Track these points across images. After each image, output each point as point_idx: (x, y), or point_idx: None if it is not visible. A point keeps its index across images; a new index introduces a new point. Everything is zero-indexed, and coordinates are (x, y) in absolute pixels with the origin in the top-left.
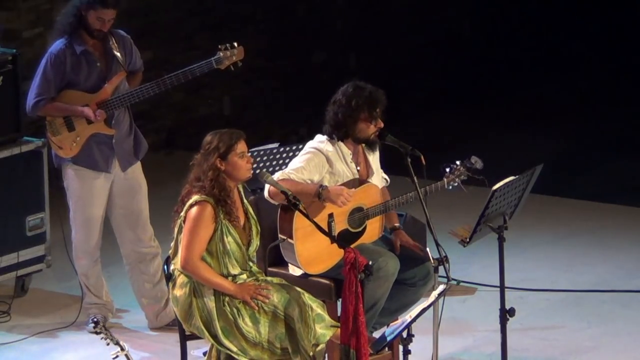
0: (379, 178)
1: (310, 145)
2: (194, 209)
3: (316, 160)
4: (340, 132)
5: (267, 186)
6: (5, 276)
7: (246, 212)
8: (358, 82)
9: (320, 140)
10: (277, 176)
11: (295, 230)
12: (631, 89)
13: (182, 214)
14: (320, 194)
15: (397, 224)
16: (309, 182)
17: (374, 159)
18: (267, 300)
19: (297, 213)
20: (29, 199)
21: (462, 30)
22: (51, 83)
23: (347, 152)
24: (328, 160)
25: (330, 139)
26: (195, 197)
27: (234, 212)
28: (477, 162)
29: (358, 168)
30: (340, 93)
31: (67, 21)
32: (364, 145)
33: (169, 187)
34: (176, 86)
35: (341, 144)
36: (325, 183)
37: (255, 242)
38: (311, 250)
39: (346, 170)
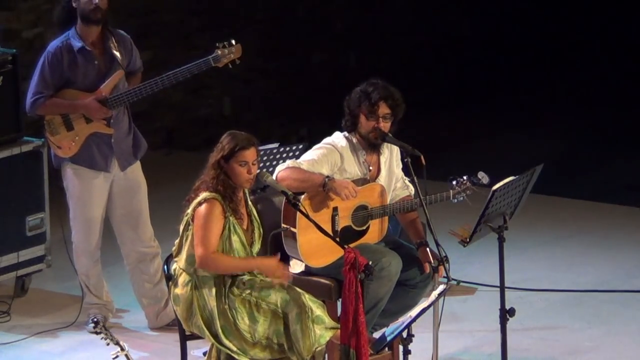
0: (387, 180)
1: (326, 140)
2: (203, 207)
3: (329, 156)
4: (348, 122)
5: (275, 172)
6: (5, 276)
7: (250, 214)
8: (377, 79)
9: (337, 137)
10: (288, 163)
11: (299, 219)
12: (631, 89)
13: (190, 211)
14: (325, 184)
15: (423, 240)
16: (317, 172)
17: (386, 161)
18: (290, 279)
19: (302, 201)
20: (29, 199)
21: (462, 30)
22: (49, 81)
23: (362, 151)
24: (341, 157)
25: (348, 134)
26: (203, 195)
27: (239, 209)
28: (483, 178)
29: (370, 168)
30: (360, 85)
31: (58, 15)
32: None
33: (168, 187)
34: (175, 85)
35: (356, 142)
36: (336, 177)
37: (257, 245)
38: (312, 242)
39: (357, 170)
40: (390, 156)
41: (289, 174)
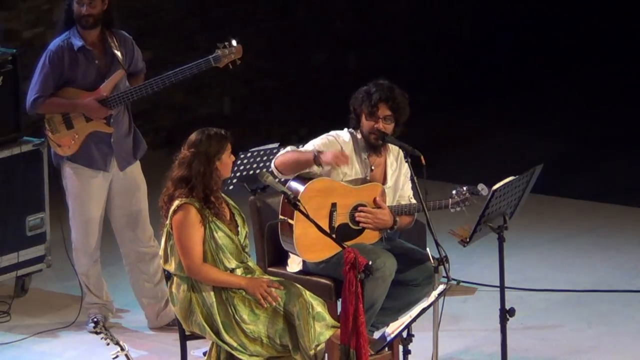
0: (390, 192)
1: (330, 132)
2: (178, 215)
3: (329, 145)
4: (353, 121)
5: (273, 160)
6: (5, 276)
7: (227, 204)
8: (384, 80)
9: (342, 131)
10: (288, 149)
11: (297, 212)
12: (631, 89)
13: (168, 222)
14: (316, 158)
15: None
16: None
17: (394, 173)
18: (274, 303)
19: (300, 194)
20: (29, 199)
21: (462, 30)
22: (50, 80)
23: (365, 150)
24: (341, 149)
25: (353, 131)
26: (176, 203)
27: (221, 210)
28: (483, 190)
29: (372, 168)
30: (368, 84)
31: (62, 17)
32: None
33: None
34: (175, 85)
35: (360, 140)
36: (334, 172)
37: (244, 230)
38: (309, 235)
39: (358, 167)
40: (399, 171)
41: (283, 158)
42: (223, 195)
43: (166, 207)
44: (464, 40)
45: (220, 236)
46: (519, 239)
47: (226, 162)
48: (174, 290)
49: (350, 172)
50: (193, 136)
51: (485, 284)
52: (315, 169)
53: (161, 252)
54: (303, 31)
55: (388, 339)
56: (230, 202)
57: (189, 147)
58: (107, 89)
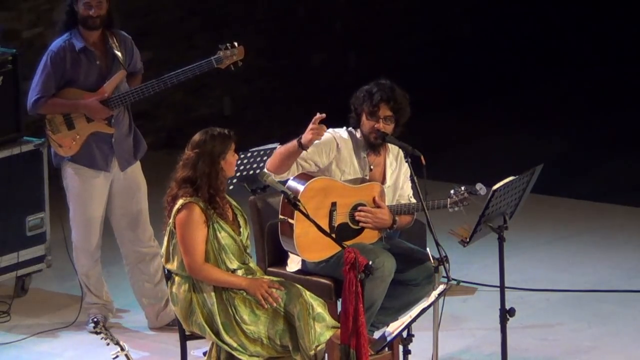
0: (389, 191)
1: (329, 130)
2: (182, 214)
3: (326, 143)
4: (353, 120)
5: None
6: (5, 276)
7: (230, 204)
8: (385, 80)
9: (341, 129)
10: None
11: (297, 212)
12: (631, 89)
13: (171, 220)
14: (299, 141)
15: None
16: (313, 162)
17: (393, 172)
18: (275, 304)
19: (302, 194)
20: (29, 199)
21: (462, 30)
22: (51, 80)
23: (364, 149)
24: (338, 147)
25: (353, 130)
26: (180, 202)
27: (225, 211)
28: (481, 189)
29: (372, 167)
30: (369, 84)
31: (62, 19)
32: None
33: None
34: (176, 85)
35: (360, 139)
36: (333, 168)
37: (246, 231)
38: (309, 235)
39: (355, 162)
40: (399, 171)
41: (272, 157)
42: (226, 195)
43: (169, 207)
44: (464, 40)
45: (224, 236)
46: (519, 239)
47: (231, 161)
48: (174, 290)
49: (346, 166)
50: (197, 137)
51: (485, 284)
52: (304, 154)
53: (163, 251)
54: (303, 31)
55: (388, 339)
56: (233, 202)
57: (193, 148)
58: (109, 90)
